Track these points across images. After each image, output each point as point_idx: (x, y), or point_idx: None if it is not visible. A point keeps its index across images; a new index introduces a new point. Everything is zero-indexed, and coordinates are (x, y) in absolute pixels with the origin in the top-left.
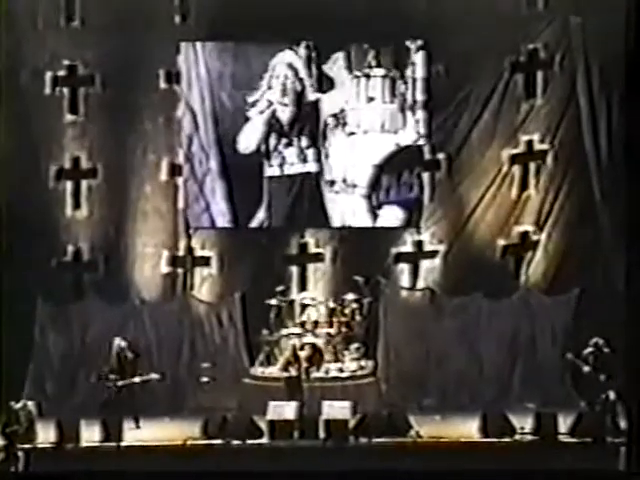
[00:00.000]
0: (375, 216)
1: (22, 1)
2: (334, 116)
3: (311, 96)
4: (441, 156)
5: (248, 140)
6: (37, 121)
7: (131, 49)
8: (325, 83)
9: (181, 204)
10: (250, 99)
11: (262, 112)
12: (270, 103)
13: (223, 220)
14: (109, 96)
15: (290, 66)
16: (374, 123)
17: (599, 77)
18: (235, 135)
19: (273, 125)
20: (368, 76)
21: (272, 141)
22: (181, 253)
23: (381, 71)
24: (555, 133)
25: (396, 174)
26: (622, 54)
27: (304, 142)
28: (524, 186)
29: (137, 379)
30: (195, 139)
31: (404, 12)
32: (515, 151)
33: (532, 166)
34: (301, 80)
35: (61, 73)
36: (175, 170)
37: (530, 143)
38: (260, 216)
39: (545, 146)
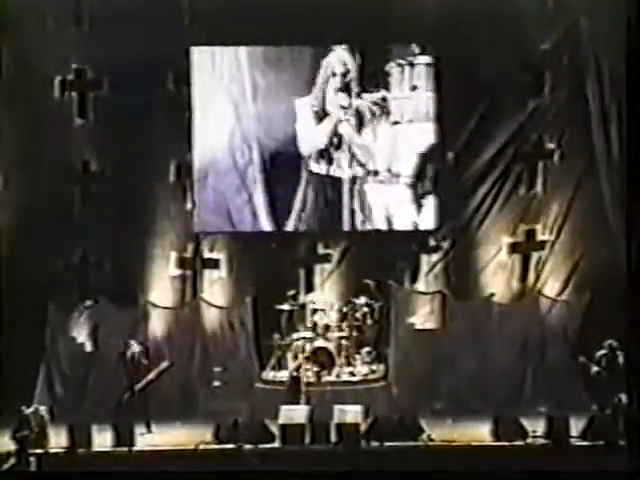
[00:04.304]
0: (419, 206)
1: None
2: (376, 104)
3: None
4: None
5: (313, 142)
6: (46, 125)
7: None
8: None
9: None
10: (312, 101)
11: (325, 114)
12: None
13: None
14: (118, 99)
15: (345, 64)
16: (418, 112)
17: (610, 77)
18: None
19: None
20: (412, 64)
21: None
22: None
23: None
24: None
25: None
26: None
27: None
28: (531, 186)
29: (152, 374)
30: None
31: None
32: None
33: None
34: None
35: (70, 77)
36: (185, 172)
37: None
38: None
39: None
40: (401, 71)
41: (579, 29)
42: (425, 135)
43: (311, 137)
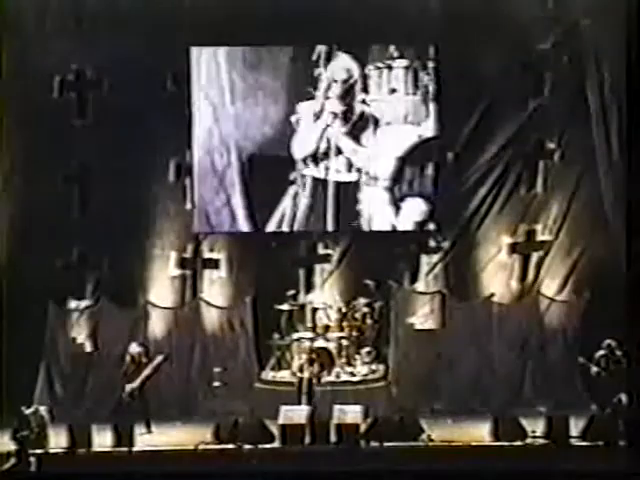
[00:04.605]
0: (397, 209)
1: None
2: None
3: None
4: None
5: (304, 146)
6: (46, 125)
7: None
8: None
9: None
10: (304, 106)
11: (318, 119)
12: (334, 115)
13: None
14: (117, 99)
15: (347, 71)
16: (397, 115)
17: (609, 77)
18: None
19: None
20: (390, 67)
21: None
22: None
23: (404, 62)
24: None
25: (419, 166)
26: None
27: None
28: (531, 187)
29: (148, 369)
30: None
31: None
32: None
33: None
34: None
35: (69, 77)
36: (185, 172)
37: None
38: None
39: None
40: (379, 74)
41: (579, 29)
42: (403, 138)
43: (302, 141)
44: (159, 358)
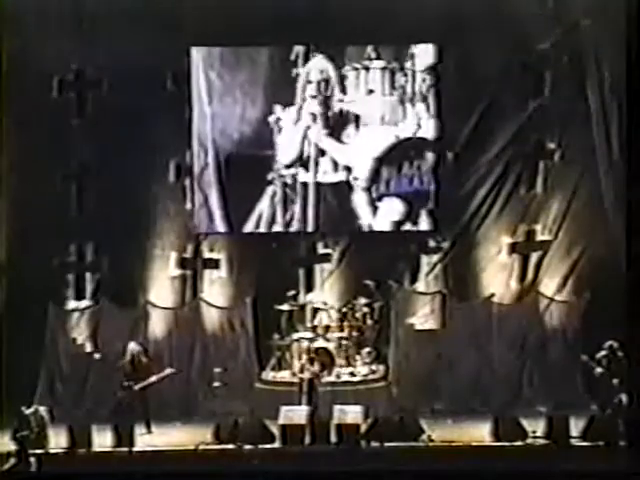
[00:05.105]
0: (375, 209)
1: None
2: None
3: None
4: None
5: (288, 151)
6: (45, 124)
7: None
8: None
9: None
10: (284, 109)
11: (299, 121)
12: (313, 116)
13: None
14: (116, 99)
15: (323, 72)
16: (374, 116)
17: (609, 77)
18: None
19: (308, 134)
20: (367, 68)
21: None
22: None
23: (380, 63)
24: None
25: (396, 166)
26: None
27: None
28: (531, 187)
29: (154, 377)
30: (202, 142)
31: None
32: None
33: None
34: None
35: (69, 77)
36: (184, 173)
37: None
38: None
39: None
40: (357, 75)
41: (579, 29)
42: (381, 139)
43: (286, 145)
44: (168, 371)
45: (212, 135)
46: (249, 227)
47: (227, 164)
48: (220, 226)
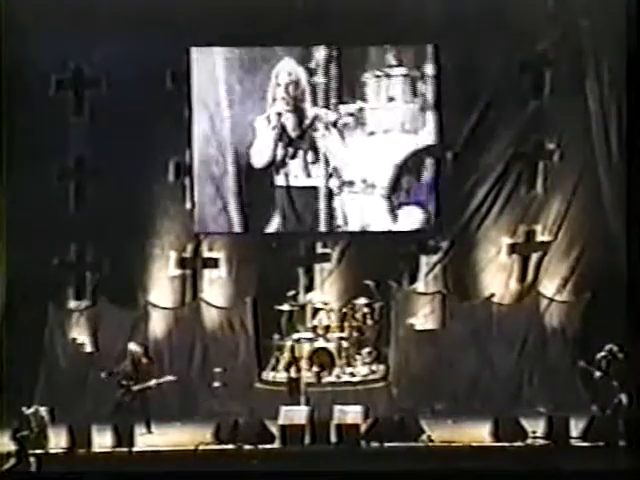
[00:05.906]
0: (395, 217)
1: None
2: (352, 115)
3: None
4: None
5: (261, 154)
6: (44, 123)
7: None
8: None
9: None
10: (258, 111)
11: (271, 125)
12: (279, 115)
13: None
14: (115, 98)
15: (291, 74)
16: (394, 123)
17: (608, 77)
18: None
19: (282, 137)
20: (388, 76)
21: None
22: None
23: (402, 70)
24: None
25: (416, 174)
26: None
27: (310, 156)
28: (531, 187)
29: (153, 382)
30: (208, 142)
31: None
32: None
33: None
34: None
35: (67, 76)
36: (185, 172)
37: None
38: (274, 222)
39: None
40: (378, 82)
41: (579, 29)
42: (401, 146)
43: (259, 149)
44: (168, 378)
45: (231, 139)
46: (267, 230)
47: (243, 168)
48: (238, 229)
